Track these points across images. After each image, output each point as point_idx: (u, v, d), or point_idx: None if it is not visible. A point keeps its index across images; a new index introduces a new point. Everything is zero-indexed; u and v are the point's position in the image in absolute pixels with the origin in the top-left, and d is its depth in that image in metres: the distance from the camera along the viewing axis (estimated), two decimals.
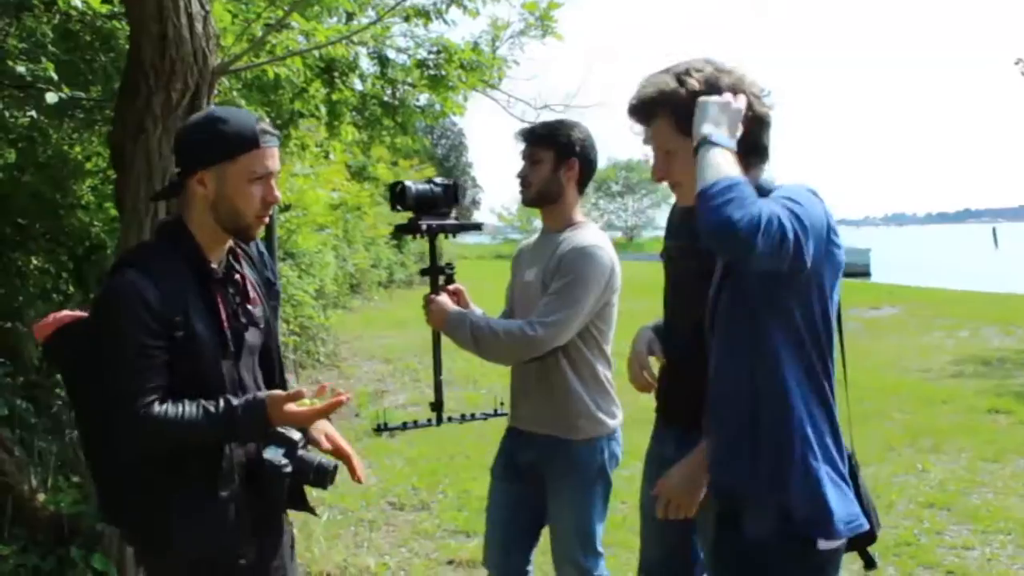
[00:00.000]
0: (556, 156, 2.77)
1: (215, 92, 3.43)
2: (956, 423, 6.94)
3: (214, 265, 2.01)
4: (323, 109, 5.24)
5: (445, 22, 5.38)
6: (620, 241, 66.83)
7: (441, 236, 2.79)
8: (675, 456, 2.30)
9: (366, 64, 5.55)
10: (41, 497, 3.39)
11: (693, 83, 1.85)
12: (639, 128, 1.97)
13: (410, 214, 2.73)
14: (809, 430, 1.81)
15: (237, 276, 2.06)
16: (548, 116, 4.97)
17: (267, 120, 2.05)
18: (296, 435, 2.01)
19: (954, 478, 5.53)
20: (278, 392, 1.95)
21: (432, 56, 5.38)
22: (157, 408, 1.86)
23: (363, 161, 12.81)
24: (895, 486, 5.39)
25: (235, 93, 4.48)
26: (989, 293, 18.40)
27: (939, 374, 9.25)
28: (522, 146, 2.85)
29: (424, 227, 2.66)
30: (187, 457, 1.92)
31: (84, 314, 2.02)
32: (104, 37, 4.10)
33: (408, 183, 2.66)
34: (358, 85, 5.39)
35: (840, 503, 1.82)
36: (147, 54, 3.15)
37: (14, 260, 4.15)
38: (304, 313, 8.99)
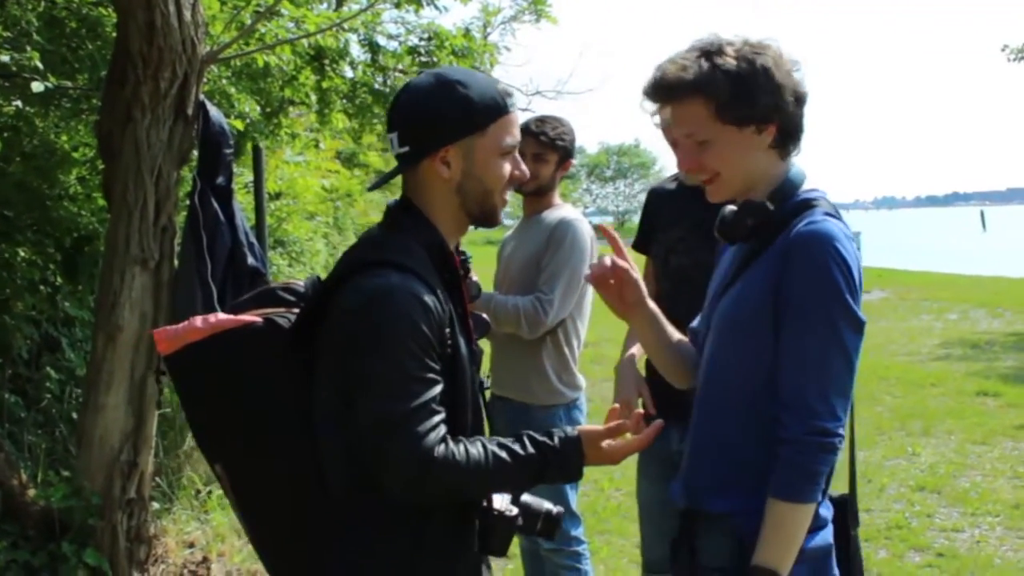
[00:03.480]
0: (560, 158, 3.12)
1: (204, 80, 3.39)
2: (945, 406, 6.99)
3: None
4: (313, 97, 5.19)
5: (436, 8, 5.37)
6: (611, 226, 66.56)
7: None
8: (680, 449, 2.29)
9: (356, 51, 5.52)
10: (31, 492, 3.36)
11: (729, 63, 1.59)
12: (652, 109, 1.71)
13: None
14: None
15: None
16: (540, 102, 4.97)
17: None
18: None
19: (944, 461, 5.58)
20: (594, 428, 1.61)
21: (423, 43, 5.36)
22: (450, 448, 1.49)
23: (354, 148, 12.73)
24: (886, 470, 5.44)
25: (224, 81, 4.43)
26: (977, 276, 18.51)
27: (928, 357, 9.31)
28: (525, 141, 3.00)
29: None
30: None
31: (254, 319, 1.60)
32: (90, 25, 4.04)
33: None
34: (348, 72, 5.35)
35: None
36: (135, 42, 3.11)
37: (1, 252, 4.10)
38: None
